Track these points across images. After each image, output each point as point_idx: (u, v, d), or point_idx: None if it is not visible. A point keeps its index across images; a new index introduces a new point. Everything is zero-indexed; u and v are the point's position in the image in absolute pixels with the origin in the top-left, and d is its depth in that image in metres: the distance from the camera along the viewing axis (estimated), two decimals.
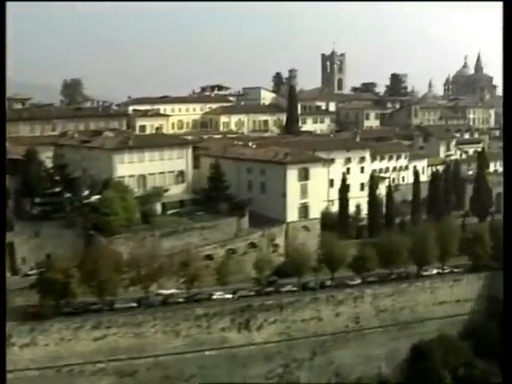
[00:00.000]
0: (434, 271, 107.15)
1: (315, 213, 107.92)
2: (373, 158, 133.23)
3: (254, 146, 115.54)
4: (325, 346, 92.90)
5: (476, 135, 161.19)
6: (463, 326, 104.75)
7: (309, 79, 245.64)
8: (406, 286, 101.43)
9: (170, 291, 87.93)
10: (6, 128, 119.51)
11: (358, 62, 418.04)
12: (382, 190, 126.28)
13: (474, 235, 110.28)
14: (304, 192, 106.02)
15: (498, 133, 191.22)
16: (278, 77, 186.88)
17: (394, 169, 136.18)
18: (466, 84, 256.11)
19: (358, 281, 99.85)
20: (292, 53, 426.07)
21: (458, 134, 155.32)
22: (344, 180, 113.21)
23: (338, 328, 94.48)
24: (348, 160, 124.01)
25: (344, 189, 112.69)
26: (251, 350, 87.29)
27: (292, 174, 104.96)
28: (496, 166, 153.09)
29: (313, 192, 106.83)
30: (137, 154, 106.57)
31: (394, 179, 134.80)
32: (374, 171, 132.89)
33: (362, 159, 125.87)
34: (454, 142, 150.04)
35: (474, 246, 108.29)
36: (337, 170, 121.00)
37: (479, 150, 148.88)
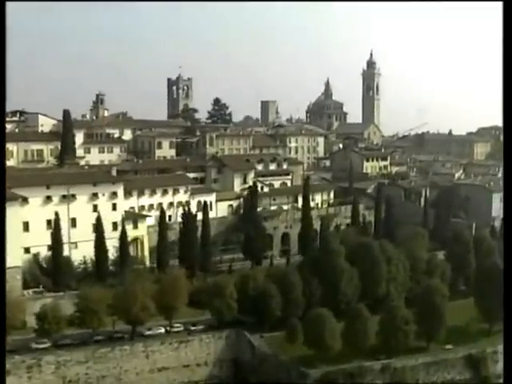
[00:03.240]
0: (162, 330, 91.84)
1: (15, 261, 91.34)
2: (140, 193, 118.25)
3: None
4: None
5: (285, 166, 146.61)
6: None
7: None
8: (107, 349, 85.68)
9: None
10: (5, 129, 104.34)
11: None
12: (142, 229, 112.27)
13: (213, 286, 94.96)
14: None
15: (327, 163, 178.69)
16: (97, 100, 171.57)
17: (171, 204, 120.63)
18: (317, 111, 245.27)
19: (47, 344, 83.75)
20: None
21: (260, 166, 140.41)
22: (56, 220, 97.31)
23: None
24: (95, 196, 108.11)
25: (56, 231, 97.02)
26: None
27: None
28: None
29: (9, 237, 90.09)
30: None
31: (170, 217, 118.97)
32: (141, 208, 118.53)
33: (114, 194, 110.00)
34: (252, 174, 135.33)
35: (214, 299, 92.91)
36: (79, 207, 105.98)
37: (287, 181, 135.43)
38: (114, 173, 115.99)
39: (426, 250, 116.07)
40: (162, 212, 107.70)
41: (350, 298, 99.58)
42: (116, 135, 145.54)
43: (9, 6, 71.91)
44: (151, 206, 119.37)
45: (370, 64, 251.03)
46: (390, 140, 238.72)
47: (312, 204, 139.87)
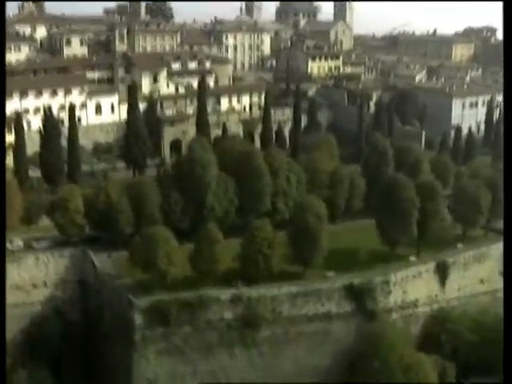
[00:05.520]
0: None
1: None
2: (23, 94, 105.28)
3: None
4: None
5: (208, 64, 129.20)
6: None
7: None
8: None
9: None
10: (5, 125, 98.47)
11: None
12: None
13: (57, 200, 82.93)
14: None
15: (274, 62, 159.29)
16: None
17: (62, 107, 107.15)
18: (283, 8, 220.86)
19: None
20: None
21: (177, 64, 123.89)
22: None
23: None
24: None
25: None
26: None
27: None
28: (233, 102, 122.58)
29: None
30: None
31: (62, 121, 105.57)
32: (26, 111, 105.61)
33: None
34: (164, 73, 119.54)
35: (56, 213, 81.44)
36: None
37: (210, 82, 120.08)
38: None
39: (335, 161, 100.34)
40: (18, 116, 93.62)
41: (221, 214, 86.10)
42: (28, 33, 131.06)
43: None
44: (37, 109, 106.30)
45: None
46: (368, 40, 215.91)
47: (238, 107, 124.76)
